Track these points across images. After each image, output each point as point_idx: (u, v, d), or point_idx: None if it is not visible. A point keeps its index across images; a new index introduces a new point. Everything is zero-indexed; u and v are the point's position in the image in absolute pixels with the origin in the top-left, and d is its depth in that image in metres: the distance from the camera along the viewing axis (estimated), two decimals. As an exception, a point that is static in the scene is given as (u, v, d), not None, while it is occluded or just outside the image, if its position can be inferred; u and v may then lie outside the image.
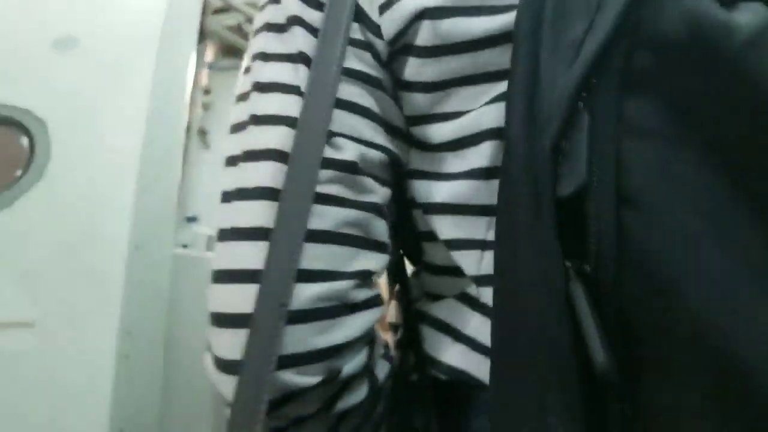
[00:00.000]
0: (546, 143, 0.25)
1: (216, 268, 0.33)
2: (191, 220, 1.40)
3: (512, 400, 0.26)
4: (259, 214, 0.33)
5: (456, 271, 0.38)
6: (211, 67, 2.32)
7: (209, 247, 1.14)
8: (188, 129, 1.78)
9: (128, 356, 1.07)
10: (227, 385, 0.31)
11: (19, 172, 1.08)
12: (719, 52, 0.23)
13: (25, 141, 1.09)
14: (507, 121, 0.28)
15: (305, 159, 0.33)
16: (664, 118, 0.24)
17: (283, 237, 0.31)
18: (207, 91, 2.28)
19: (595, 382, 0.23)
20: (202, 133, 2.22)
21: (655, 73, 0.25)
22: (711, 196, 0.22)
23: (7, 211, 1.06)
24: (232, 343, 0.31)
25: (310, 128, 0.33)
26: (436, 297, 0.41)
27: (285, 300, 0.31)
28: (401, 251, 0.44)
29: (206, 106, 2.27)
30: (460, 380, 0.36)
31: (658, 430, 0.23)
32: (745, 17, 0.23)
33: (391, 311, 0.46)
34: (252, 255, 0.32)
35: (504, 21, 0.33)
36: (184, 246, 1.17)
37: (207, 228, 1.44)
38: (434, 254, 0.41)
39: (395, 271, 0.44)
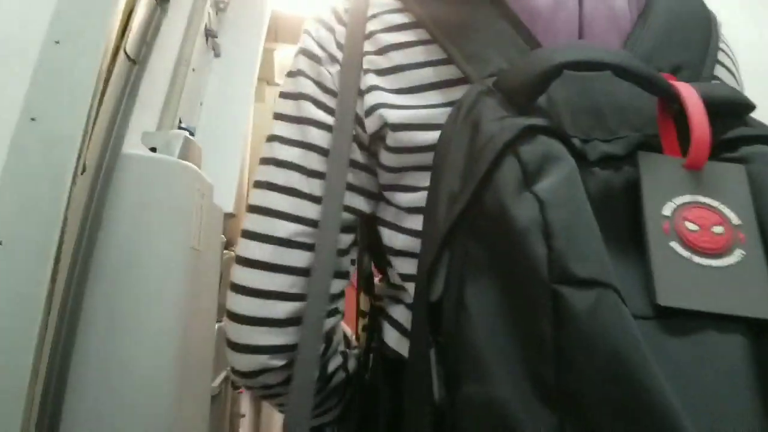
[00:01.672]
0: (424, 271, 0.41)
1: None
2: (184, 129, 1.36)
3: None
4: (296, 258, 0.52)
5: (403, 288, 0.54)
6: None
7: (182, 155, 1.12)
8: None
9: None
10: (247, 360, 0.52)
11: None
12: (509, 231, 0.36)
13: None
14: (420, 257, 0.44)
15: (329, 222, 0.51)
16: (481, 262, 0.38)
17: (318, 273, 0.50)
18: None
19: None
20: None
21: (483, 234, 0.38)
22: (504, 307, 0.36)
23: None
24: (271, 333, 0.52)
25: (333, 200, 0.51)
26: (393, 299, 0.56)
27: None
28: (373, 263, 0.63)
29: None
30: (398, 357, 0.52)
31: None
32: (524, 214, 0.36)
33: (363, 301, 0.69)
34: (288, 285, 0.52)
35: (436, 136, 0.46)
36: (153, 149, 1.10)
37: (195, 141, 1.31)
38: (392, 275, 0.57)
39: (368, 277, 0.64)
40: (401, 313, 0.54)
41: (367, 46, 0.52)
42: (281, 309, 0.51)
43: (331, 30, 0.55)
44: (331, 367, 0.56)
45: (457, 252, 0.39)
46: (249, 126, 2.02)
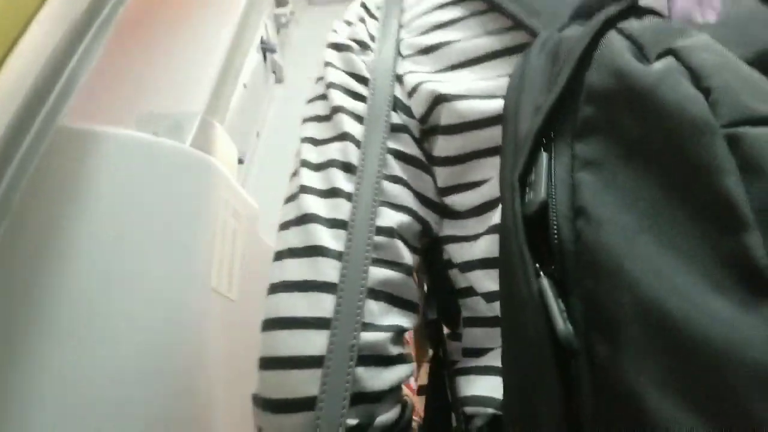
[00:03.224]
0: (516, 176, 0.31)
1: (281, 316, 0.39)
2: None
3: (511, 387, 0.31)
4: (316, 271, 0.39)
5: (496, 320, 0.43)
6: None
7: (197, 143, 0.76)
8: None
9: None
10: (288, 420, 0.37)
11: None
12: (637, 90, 0.28)
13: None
14: (500, 181, 0.34)
15: (361, 225, 0.39)
16: (605, 150, 0.29)
17: (349, 293, 0.37)
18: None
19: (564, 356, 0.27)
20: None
21: (596, 118, 0.30)
22: (648, 201, 0.26)
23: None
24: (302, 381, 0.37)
25: (363, 200, 0.40)
26: (479, 351, 0.44)
27: (354, 343, 0.37)
28: (438, 316, 0.48)
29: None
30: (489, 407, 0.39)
31: (621, 399, 0.24)
32: (657, 66, 0.29)
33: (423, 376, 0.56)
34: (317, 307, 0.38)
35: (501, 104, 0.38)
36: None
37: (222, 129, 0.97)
38: (474, 307, 0.45)
39: (435, 335, 0.49)
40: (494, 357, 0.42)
41: (404, 34, 0.47)
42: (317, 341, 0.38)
43: (363, 21, 0.50)
44: None
45: (558, 158, 0.31)
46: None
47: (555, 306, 0.27)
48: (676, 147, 0.26)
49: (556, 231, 0.29)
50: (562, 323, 0.27)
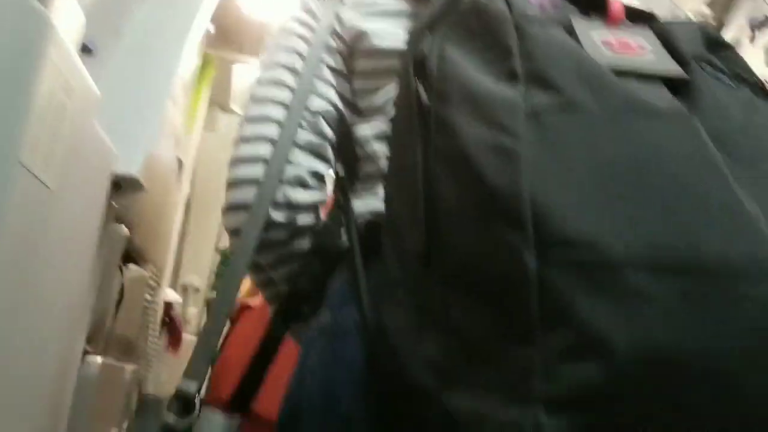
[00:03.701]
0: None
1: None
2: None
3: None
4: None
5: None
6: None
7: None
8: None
9: None
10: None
11: None
12: None
13: None
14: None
15: (299, 106, 0.60)
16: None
17: (282, 145, 0.58)
18: None
19: None
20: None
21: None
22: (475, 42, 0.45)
23: None
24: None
25: (302, 89, 0.61)
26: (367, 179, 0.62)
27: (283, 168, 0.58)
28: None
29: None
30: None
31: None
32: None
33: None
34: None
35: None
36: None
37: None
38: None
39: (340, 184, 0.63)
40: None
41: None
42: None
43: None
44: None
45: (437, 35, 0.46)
46: (181, 79, 1.49)
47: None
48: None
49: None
50: (425, 96, 0.43)
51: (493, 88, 0.40)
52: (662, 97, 0.42)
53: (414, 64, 0.45)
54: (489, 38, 0.42)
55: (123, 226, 1.10)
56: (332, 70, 0.63)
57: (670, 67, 0.44)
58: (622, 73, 0.42)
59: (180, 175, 1.80)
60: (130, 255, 1.23)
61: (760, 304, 0.34)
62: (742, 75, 0.47)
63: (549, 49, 0.41)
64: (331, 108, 0.62)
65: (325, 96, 0.62)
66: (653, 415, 0.33)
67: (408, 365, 0.39)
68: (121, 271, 1.16)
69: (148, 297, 1.46)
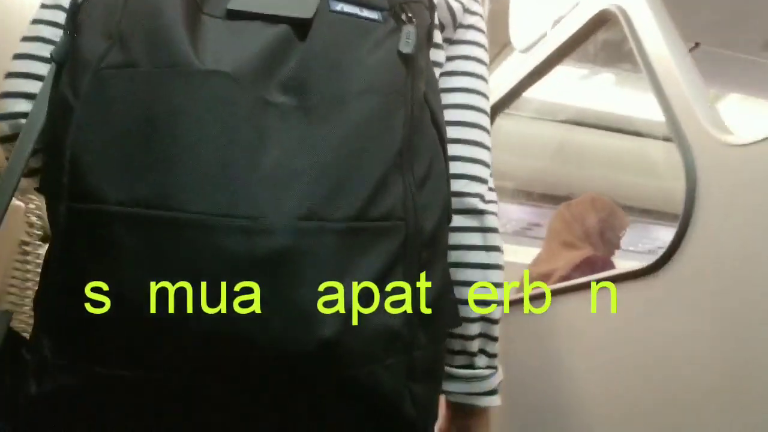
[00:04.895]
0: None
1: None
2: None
3: None
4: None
5: None
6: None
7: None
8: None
9: None
10: None
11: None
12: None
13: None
14: None
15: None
16: None
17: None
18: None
19: None
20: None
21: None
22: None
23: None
24: None
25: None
26: None
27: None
28: None
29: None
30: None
31: None
32: None
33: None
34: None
35: None
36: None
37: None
38: None
39: None
40: None
41: None
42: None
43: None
44: None
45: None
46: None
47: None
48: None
49: None
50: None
51: (92, 45, 0.43)
52: (261, 39, 0.45)
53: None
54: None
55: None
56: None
57: (288, 7, 0.47)
58: (238, 14, 0.46)
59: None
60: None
61: (197, 250, 0.40)
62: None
63: (141, 5, 0.44)
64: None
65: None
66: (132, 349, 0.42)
67: None
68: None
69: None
